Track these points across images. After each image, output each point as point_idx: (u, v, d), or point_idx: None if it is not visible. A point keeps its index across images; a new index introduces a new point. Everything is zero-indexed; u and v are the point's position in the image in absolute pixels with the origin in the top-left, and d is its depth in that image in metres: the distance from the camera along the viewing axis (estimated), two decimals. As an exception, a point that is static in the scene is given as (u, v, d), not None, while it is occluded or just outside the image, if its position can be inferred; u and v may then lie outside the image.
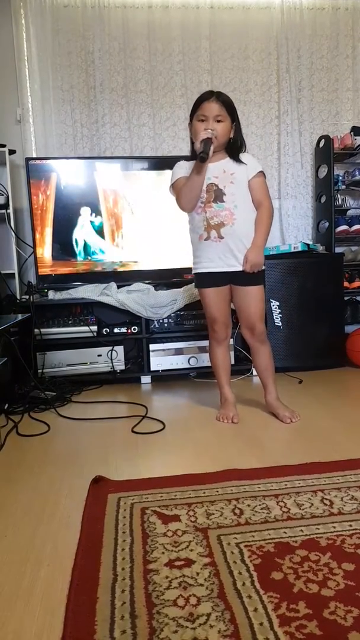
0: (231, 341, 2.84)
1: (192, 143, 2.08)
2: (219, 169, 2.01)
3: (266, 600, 0.98)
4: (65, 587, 1.06)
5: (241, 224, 2.03)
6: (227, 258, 2.05)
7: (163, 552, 1.16)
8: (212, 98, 1.95)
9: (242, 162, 2.04)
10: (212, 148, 1.91)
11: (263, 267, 2.09)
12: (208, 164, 1.97)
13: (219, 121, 1.95)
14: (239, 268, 2.05)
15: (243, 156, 2.06)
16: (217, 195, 2.02)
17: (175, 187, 2.07)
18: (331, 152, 3.23)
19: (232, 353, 2.88)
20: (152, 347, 2.87)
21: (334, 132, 3.41)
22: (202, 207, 2.04)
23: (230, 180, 2.02)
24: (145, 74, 3.30)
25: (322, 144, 3.35)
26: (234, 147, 2.05)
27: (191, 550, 1.16)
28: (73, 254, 2.99)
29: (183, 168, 2.05)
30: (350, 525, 1.24)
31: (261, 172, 2.07)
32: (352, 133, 3.25)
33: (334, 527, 1.23)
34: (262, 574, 1.06)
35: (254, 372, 2.90)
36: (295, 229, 3.52)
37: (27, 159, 2.97)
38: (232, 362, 2.87)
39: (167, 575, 1.07)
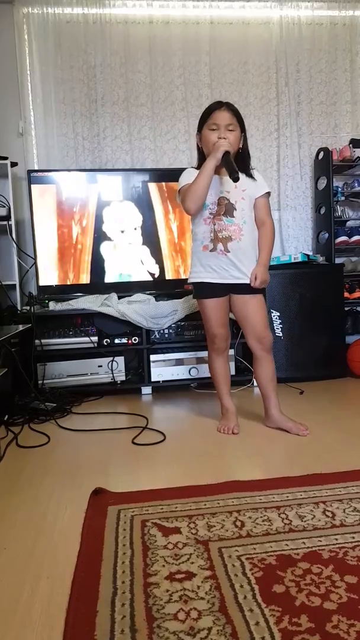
0: (232, 352, 2.84)
1: (200, 152, 2.10)
2: (231, 183, 2.00)
3: (268, 613, 0.97)
4: (64, 600, 1.04)
5: (246, 239, 2.05)
6: (231, 270, 2.05)
7: (163, 565, 1.14)
8: (223, 107, 1.98)
9: (253, 178, 2.07)
10: (233, 160, 1.93)
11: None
12: (220, 176, 1.99)
13: (230, 130, 1.97)
14: (242, 281, 2.05)
15: (254, 173, 2.09)
16: (228, 209, 2.03)
17: (182, 192, 2.05)
18: (330, 164, 3.26)
19: (232, 364, 2.88)
20: (152, 357, 2.87)
21: (332, 145, 3.44)
22: (212, 218, 2.04)
23: (242, 197, 2.04)
24: (146, 88, 3.34)
25: (321, 156, 3.38)
26: (244, 159, 2.07)
27: (192, 563, 1.15)
28: (74, 265, 3.00)
29: (193, 175, 2.03)
30: (353, 537, 1.23)
31: (269, 192, 2.11)
32: (350, 145, 3.28)
33: (336, 539, 1.22)
34: (263, 587, 1.05)
35: (255, 383, 2.89)
36: (295, 240, 3.54)
37: (29, 171, 2.99)
38: (233, 372, 2.87)
39: (167, 589, 1.06)
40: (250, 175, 2.07)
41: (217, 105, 1.99)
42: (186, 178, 2.06)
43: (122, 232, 3.05)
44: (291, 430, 2.07)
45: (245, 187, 2.04)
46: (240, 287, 2.07)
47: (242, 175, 2.03)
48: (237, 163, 2.02)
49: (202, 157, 2.08)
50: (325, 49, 3.48)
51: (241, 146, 2.05)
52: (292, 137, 3.46)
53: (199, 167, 2.07)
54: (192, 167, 2.12)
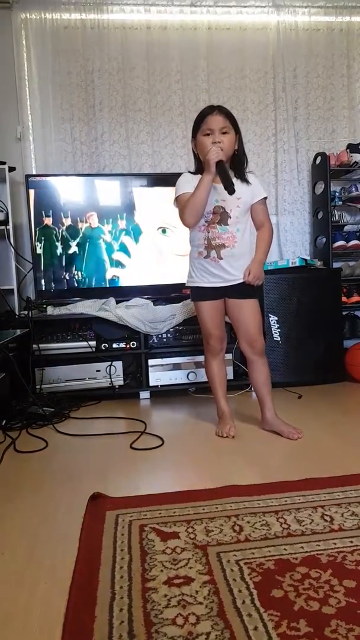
0: (229, 356, 2.84)
1: (196, 159, 2.10)
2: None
3: (266, 618, 0.96)
4: (62, 606, 1.04)
5: (240, 246, 2.05)
6: (223, 275, 2.06)
7: (162, 570, 1.14)
8: (215, 111, 1.97)
9: (249, 182, 2.05)
10: (228, 167, 1.94)
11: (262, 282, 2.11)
12: (215, 184, 1.97)
13: (224, 133, 1.97)
14: (234, 282, 2.06)
15: (250, 176, 2.07)
16: (223, 218, 2.03)
17: (180, 201, 2.06)
18: (327, 168, 3.27)
19: (230, 368, 2.87)
20: (151, 362, 2.87)
21: (330, 149, 3.45)
22: (206, 226, 2.05)
23: (237, 205, 2.03)
24: (143, 93, 3.35)
25: (318, 160, 3.39)
26: (239, 162, 2.06)
27: (190, 567, 1.15)
28: (73, 270, 3.00)
29: (189, 182, 2.03)
30: (351, 542, 1.22)
31: (265, 197, 2.10)
32: (348, 150, 3.30)
33: (335, 544, 1.22)
34: (262, 591, 1.04)
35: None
36: (293, 245, 3.55)
37: (27, 176, 3.00)
38: (231, 377, 2.87)
39: (165, 594, 1.05)
40: (245, 180, 2.06)
41: (210, 110, 1.99)
42: (183, 185, 2.06)
43: (122, 235, 3.05)
44: (283, 434, 2.07)
45: (240, 194, 2.01)
46: (235, 291, 2.08)
47: (237, 180, 2.01)
48: (233, 166, 2.02)
49: (198, 163, 2.08)
50: (322, 55, 3.50)
51: (237, 148, 2.05)
52: (290, 142, 3.48)
53: (196, 172, 2.08)
54: (188, 172, 2.12)
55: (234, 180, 2.00)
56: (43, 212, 2.95)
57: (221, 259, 2.04)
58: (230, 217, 2.03)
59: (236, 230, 2.04)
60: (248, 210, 2.07)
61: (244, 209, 2.05)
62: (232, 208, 2.03)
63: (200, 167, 2.06)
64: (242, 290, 2.08)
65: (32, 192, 2.94)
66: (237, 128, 2.03)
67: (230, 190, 1.88)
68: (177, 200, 2.08)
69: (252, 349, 2.13)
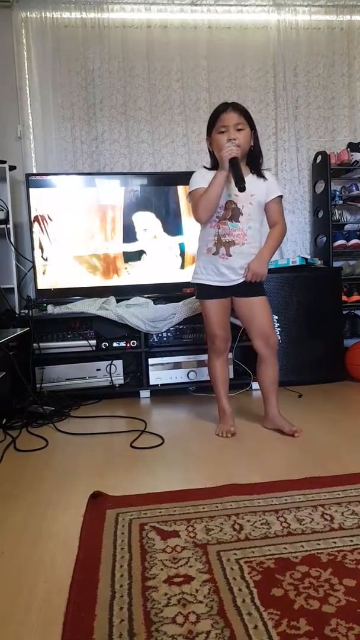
0: (230, 355, 2.84)
1: (211, 155, 2.09)
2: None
3: (266, 617, 0.96)
4: (62, 604, 1.04)
5: (250, 243, 2.05)
6: (230, 275, 2.06)
7: (162, 569, 1.14)
8: (229, 109, 1.98)
9: (265, 179, 2.05)
10: (240, 165, 1.94)
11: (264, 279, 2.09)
12: (230, 180, 1.96)
13: (239, 130, 1.97)
14: (240, 281, 2.06)
15: (267, 174, 2.07)
16: (234, 214, 2.02)
17: (193, 196, 2.06)
18: (328, 167, 3.27)
19: (231, 367, 2.87)
20: (151, 361, 2.87)
21: (330, 148, 3.45)
22: (217, 222, 2.04)
23: (250, 202, 2.02)
24: (144, 92, 3.35)
25: (319, 159, 3.39)
26: (255, 158, 2.06)
27: (190, 566, 1.15)
28: (73, 268, 3.00)
29: (204, 177, 2.03)
30: (351, 541, 1.23)
31: (281, 196, 2.09)
32: (348, 149, 3.29)
33: (335, 543, 1.22)
34: (262, 590, 1.05)
35: (254, 387, 2.89)
36: (293, 244, 3.55)
37: (27, 175, 2.99)
38: (232, 376, 2.86)
39: (166, 592, 1.05)
40: (262, 176, 2.05)
41: (224, 107, 1.99)
42: (198, 181, 2.06)
43: (121, 235, 3.05)
44: (284, 429, 2.08)
45: (254, 191, 2.01)
46: (243, 289, 2.08)
47: (253, 176, 2.02)
48: (249, 162, 2.02)
49: (214, 160, 2.08)
50: (323, 54, 3.50)
51: (252, 144, 2.04)
52: (290, 141, 3.47)
53: (212, 168, 2.08)
54: (204, 167, 2.12)
55: (250, 176, 2.00)
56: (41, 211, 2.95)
57: (230, 256, 2.04)
58: (242, 214, 2.02)
59: (247, 228, 2.03)
60: (262, 209, 2.07)
61: (257, 206, 2.05)
62: (245, 204, 2.02)
63: (215, 164, 2.05)
64: (250, 288, 2.07)
65: (32, 190, 2.94)
66: (252, 124, 2.02)
67: (241, 187, 1.88)
68: (191, 195, 2.08)
69: (267, 345, 2.11)
